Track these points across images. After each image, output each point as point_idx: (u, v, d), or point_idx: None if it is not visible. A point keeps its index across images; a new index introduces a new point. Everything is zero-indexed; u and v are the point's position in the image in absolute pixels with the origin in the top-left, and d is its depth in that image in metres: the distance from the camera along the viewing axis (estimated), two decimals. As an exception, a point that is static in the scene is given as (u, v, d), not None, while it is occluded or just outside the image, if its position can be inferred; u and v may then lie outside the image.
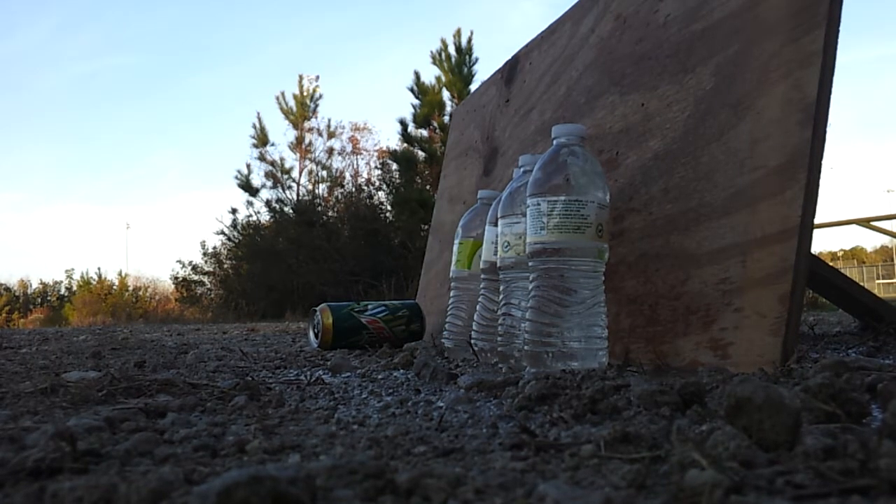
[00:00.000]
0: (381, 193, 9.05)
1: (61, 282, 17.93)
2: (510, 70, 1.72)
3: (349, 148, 10.07)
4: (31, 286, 18.55)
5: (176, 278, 10.40)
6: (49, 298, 17.84)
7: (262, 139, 9.74)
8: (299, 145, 9.87)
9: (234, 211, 9.48)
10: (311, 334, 1.53)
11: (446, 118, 8.21)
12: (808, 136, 0.79)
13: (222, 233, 9.60)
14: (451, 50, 8.51)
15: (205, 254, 10.12)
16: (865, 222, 5.00)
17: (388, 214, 8.70)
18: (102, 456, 0.47)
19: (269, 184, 9.56)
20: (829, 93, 0.81)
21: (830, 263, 1.60)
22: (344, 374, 1.00)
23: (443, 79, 8.52)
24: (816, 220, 0.81)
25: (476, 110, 1.93)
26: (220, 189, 30.71)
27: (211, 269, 10.12)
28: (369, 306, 1.51)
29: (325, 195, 9.70)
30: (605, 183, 0.94)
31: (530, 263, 0.93)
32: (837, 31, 0.81)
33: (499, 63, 1.82)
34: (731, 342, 0.82)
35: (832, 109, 0.81)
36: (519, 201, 1.02)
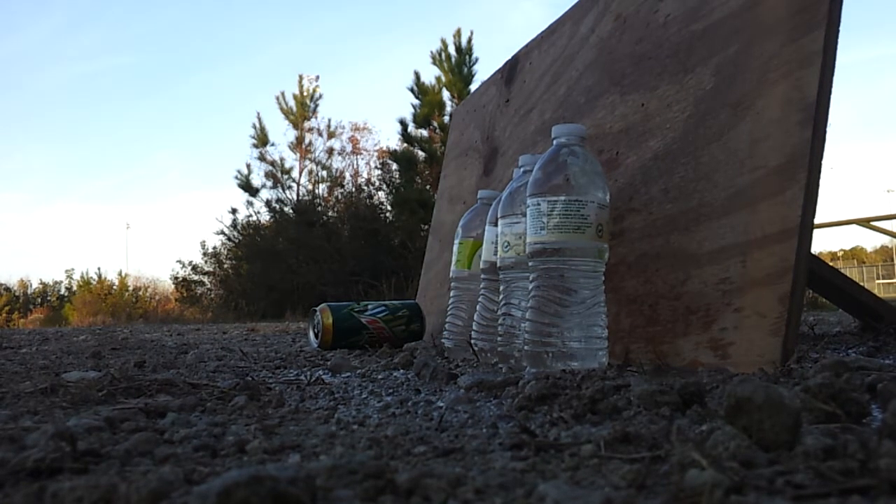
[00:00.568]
0: (381, 193, 9.06)
1: (61, 282, 17.93)
2: (510, 70, 1.72)
3: (349, 148, 10.08)
4: (31, 286, 18.55)
5: (176, 278, 10.41)
6: (49, 298, 17.83)
7: (262, 139, 9.74)
8: (299, 145, 9.87)
9: (234, 211, 9.50)
10: (311, 334, 1.53)
11: (446, 118, 8.21)
12: (808, 136, 0.79)
13: (222, 233, 9.61)
14: (451, 50, 8.52)
15: (205, 254, 10.13)
16: (865, 222, 5.00)
17: (388, 214, 8.70)
18: (102, 456, 0.47)
19: (269, 184, 9.58)
20: (829, 93, 0.81)
21: (830, 263, 1.60)
22: (344, 374, 1.00)
23: (443, 79, 8.52)
24: (816, 220, 0.81)
25: (476, 110, 1.93)
26: (220, 189, 30.73)
27: (211, 269, 10.13)
28: (369, 306, 1.51)
29: (325, 195, 9.70)
30: (605, 183, 0.94)
31: (530, 263, 0.93)
32: (837, 32, 0.81)
33: (499, 63, 1.82)
34: (732, 342, 0.82)
35: (832, 109, 0.81)
36: (519, 201, 1.02)
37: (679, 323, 0.91)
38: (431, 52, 8.57)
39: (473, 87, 6.54)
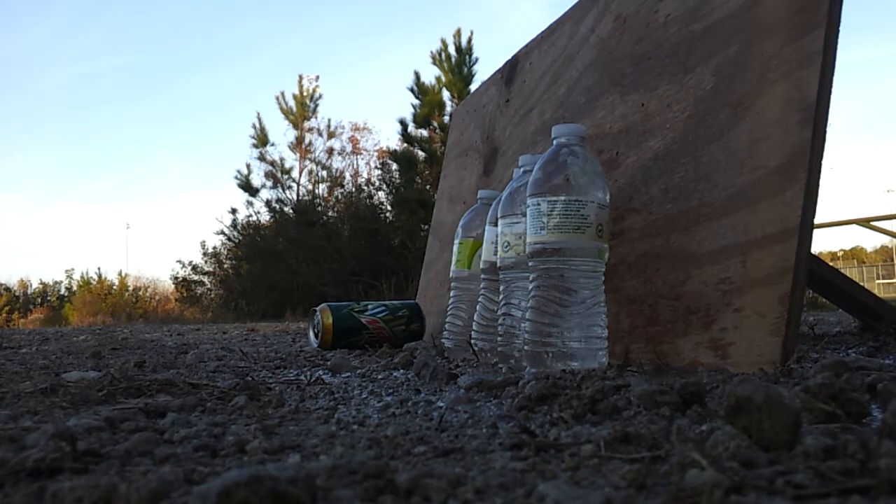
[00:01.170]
0: (381, 193, 9.06)
1: (61, 282, 17.92)
2: (510, 70, 1.72)
3: (349, 148, 10.08)
4: (31, 286, 18.55)
5: (176, 278, 10.41)
6: (49, 298, 17.83)
7: (262, 139, 9.74)
8: (299, 145, 9.87)
9: (234, 211, 9.50)
10: (311, 334, 1.53)
11: (446, 118, 8.21)
12: (808, 136, 0.79)
13: (222, 233, 9.61)
14: (451, 50, 8.52)
15: (205, 254, 10.13)
16: (865, 222, 5.00)
17: (388, 214, 8.70)
18: (102, 456, 0.47)
19: (269, 184, 9.58)
20: (829, 93, 0.81)
21: (830, 263, 1.60)
22: (344, 374, 1.00)
23: (443, 79, 8.52)
24: (816, 220, 0.81)
25: (476, 110, 1.93)
26: (220, 189, 30.73)
27: (211, 269, 10.13)
28: (369, 306, 1.51)
29: (325, 195, 9.71)
30: (605, 183, 0.94)
31: (530, 263, 0.93)
32: (837, 32, 0.81)
33: (499, 63, 1.82)
34: (732, 342, 0.82)
35: (832, 109, 0.81)
36: (519, 201, 1.02)
37: (679, 323, 0.91)
38: (431, 52, 8.58)
39: (473, 87, 6.54)
